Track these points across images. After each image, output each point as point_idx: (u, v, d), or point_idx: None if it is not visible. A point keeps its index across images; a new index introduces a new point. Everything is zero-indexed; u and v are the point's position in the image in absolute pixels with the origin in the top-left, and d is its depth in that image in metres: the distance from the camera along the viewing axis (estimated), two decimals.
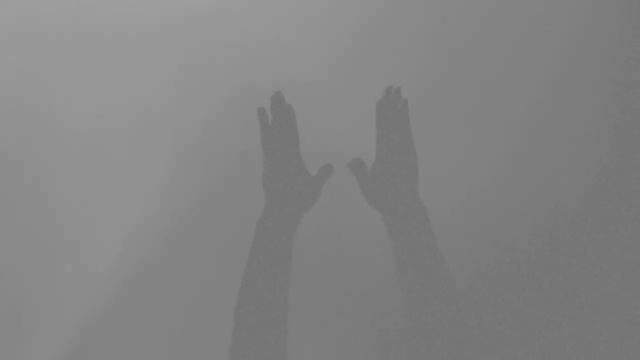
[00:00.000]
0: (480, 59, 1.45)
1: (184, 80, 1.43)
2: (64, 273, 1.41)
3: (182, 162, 1.38)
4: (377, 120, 1.03)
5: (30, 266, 1.40)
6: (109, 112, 1.39)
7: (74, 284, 1.41)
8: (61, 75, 1.38)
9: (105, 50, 1.38)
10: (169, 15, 1.38)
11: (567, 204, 1.45)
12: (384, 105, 1.03)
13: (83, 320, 1.42)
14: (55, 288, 1.41)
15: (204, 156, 1.45)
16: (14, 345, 1.41)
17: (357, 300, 1.45)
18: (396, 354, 1.46)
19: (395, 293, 1.43)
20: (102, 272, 1.42)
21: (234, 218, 1.44)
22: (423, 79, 1.47)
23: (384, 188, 1.01)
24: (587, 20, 1.43)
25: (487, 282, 1.43)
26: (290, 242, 1.01)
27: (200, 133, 1.43)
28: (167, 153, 1.40)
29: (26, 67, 1.37)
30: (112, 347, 1.43)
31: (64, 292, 1.41)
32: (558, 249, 1.45)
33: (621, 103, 1.45)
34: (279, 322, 0.96)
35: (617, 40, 1.44)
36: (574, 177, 1.45)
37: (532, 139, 1.45)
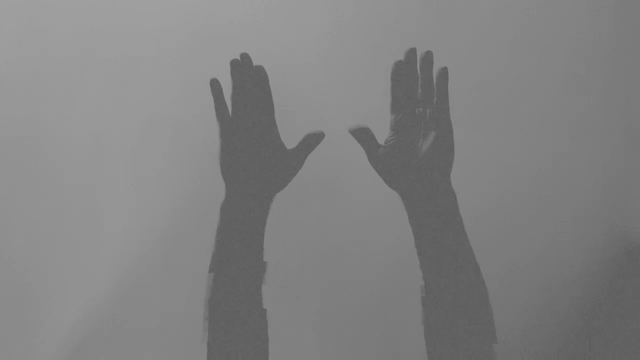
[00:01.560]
0: (481, 57, 1.45)
1: (184, 80, 1.43)
2: (64, 273, 1.41)
3: (182, 162, 1.38)
4: (392, 85, 0.87)
5: (30, 266, 1.40)
6: (109, 112, 1.39)
7: (74, 284, 1.41)
8: (61, 76, 1.38)
9: (105, 51, 1.38)
10: (169, 15, 1.38)
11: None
12: (404, 68, 0.86)
13: (84, 320, 1.42)
14: (55, 288, 1.41)
15: (204, 156, 1.45)
16: (14, 345, 1.41)
17: (360, 300, 1.45)
18: (400, 355, 1.45)
19: (402, 292, 1.43)
20: (102, 272, 1.42)
21: None
22: None
23: (408, 166, 0.84)
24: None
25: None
26: (261, 226, 0.87)
27: (201, 133, 1.43)
28: (167, 153, 1.40)
29: (27, 68, 1.37)
30: (112, 347, 1.43)
31: (63, 291, 1.41)
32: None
33: None
34: (257, 311, 0.85)
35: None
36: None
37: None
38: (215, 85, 0.88)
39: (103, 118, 1.40)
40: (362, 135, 0.87)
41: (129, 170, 1.40)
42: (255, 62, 0.88)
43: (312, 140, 0.88)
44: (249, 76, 0.88)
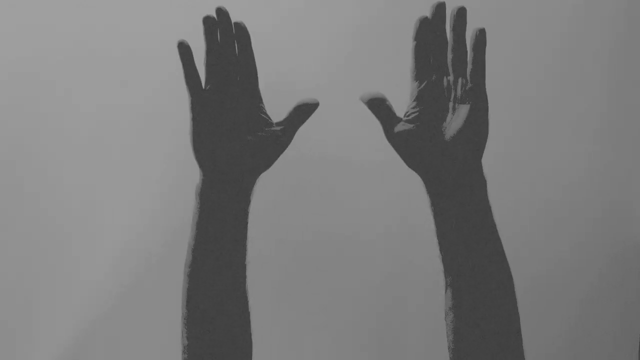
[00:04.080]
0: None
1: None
2: (64, 273, 1.41)
3: (182, 162, 1.38)
4: (415, 47, 0.74)
5: (29, 266, 1.40)
6: (110, 112, 1.39)
7: (73, 285, 1.41)
8: (62, 75, 1.38)
9: (106, 51, 1.38)
10: (169, 15, 1.38)
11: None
12: (431, 27, 0.73)
13: (84, 321, 1.42)
14: (54, 289, 1.41)
15: None
16: (14, 346, 1.41)
17: (359, 300, 1.45)
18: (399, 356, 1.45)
19: (403, 293, 1.43)
20: (102, 272, 1.42)
21: None
22: None
23: (433, 144, 0.71)
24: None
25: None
26: (243, 211, 0.74)
27: None
28: (167, 153, 1.40)
29: (26, 66, 1.37)
30: (112, 348, 1.43)
31: (64, 292, 1.41)
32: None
33: None
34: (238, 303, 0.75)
35: None
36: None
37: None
38: (183, 48, 0.74)
39: (103, 118, 1.40)
40: (378, 105, 0.74)
41: (128, 171, 1.40)
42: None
43: (304, 111, 0.75)
44: (226, 36, 0.75)
